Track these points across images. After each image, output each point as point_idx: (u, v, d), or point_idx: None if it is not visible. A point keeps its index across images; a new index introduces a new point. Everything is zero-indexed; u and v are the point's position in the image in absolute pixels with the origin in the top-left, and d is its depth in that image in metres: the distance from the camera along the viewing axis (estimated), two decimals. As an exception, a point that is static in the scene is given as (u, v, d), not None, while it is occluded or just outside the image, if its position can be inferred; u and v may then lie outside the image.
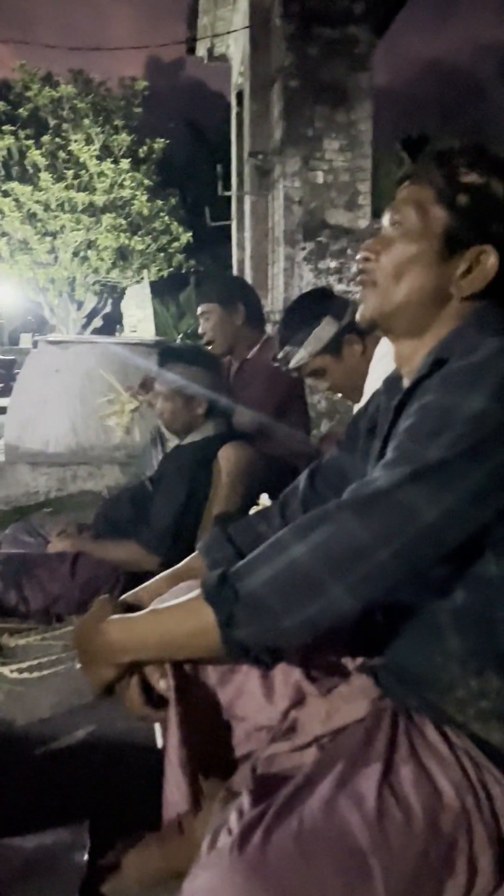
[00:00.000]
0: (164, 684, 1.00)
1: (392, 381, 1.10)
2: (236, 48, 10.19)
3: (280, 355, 2.10)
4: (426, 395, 0.87)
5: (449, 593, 0.89)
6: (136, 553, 2.33)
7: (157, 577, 1.23)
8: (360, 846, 0.77)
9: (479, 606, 0.88)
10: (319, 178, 8.06)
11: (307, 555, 0.84)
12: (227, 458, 2.39)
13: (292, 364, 2.08)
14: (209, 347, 2.93)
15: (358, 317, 1.05)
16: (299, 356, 2.05)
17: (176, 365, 2.41)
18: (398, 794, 0.82)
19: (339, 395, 2.16)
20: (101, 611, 1.05)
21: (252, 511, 2.31)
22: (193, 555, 1.25)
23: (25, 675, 2.05)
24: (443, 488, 0.81)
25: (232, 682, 1.08)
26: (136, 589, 1.21)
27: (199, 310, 2.99)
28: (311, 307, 2.08)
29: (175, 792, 1.00)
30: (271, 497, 2.36)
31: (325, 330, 2.02)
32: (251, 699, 1.07)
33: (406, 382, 1.02)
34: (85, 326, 14.79)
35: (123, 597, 1.19)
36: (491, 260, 0.94)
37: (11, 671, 2.06)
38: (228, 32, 10.00)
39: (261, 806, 0.80)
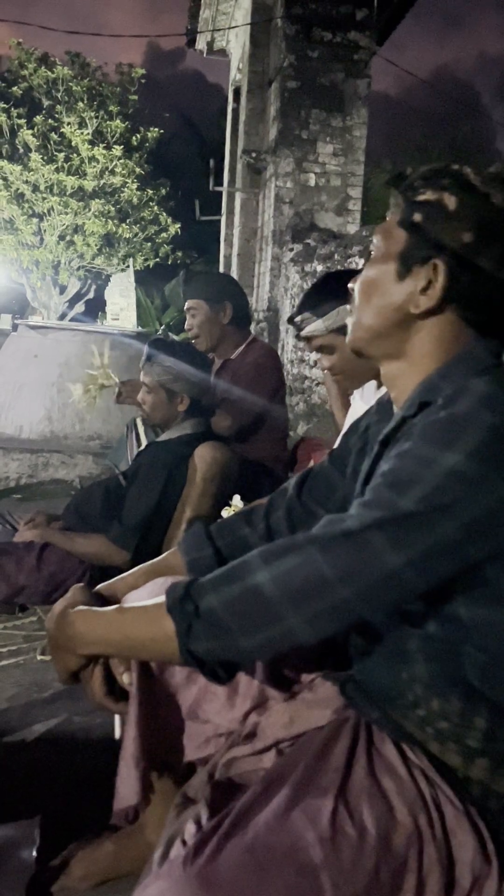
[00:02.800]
0: (126, 678, 1.03)
1: (383, 404, 1.11)
2: (236, 44, 10.16)
3: (297, 319, 2.06)
4: (407, 441, 0.88)
5: (420, 624, 0.91)
6: (105, 548, 2.30)
7: (135, 569, 1.23)
8: (313, 862, 0.77)
9: (449, 639, 0.89)
10: (311, 180, 8.07)
11: (270, 582, 0.86)
12: (203, 458, 2.38)
13: (305, 332, 2.04)
14: (194, 343, 2.93)
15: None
16: (315, 327, 2.00)
17: (166, 358, 2.40)
18: (352, 811, 0.83)
19: (335, 377, 2.13)
20: (74, 598, 1.07)
21: (224, 512, 2.31)
22: (172, 550, 1.25)
23: (-15, 664, 2.03)
24: (410, 538, 0.82)
25: (196, 683, 1.08)
26: (113, 580, 1.21)
27: (186, 305, 2.98)
28: (345, 284, 2.06)
29: (126, 785, 1.01)
30: (244, 499, 2.36)
31: (348, 311, 2.00)
32: (214, 700, 1.07)
33: (395, 408, 1.03)
34: (67, 311, 14.67)
35: (99, 587, 1.19)
36: (441, 272, 0.94)
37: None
38: (229, 28, 9.97)
39: (216, 817, 0.80)
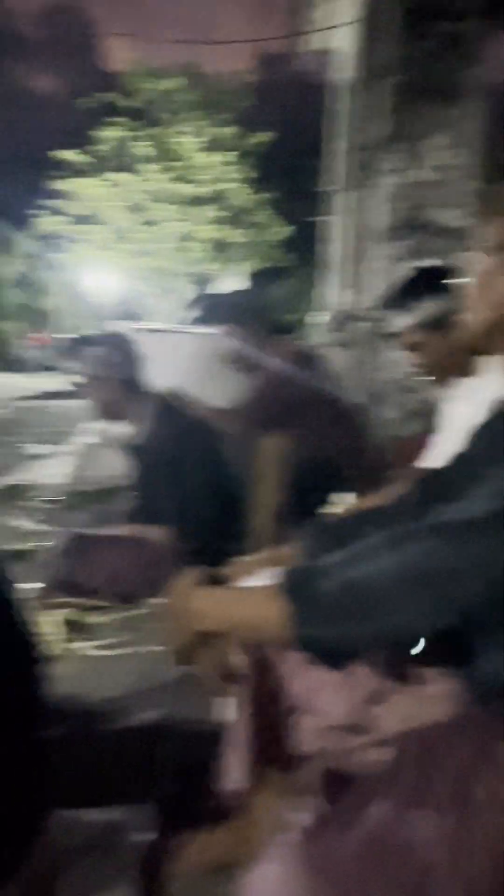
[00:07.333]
0: (238, 660, 1.01)
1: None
2: (345, 41, 10.09)
3: (382, 317, 2.04)
4: None
5: None
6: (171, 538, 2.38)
7: (251, 557, 1.24)
8: (429, 862, 0.73)
9: None
10: (422, 175, 7.88)
11: (393, 569, 0.83)
12: (265, 448, 2.44)
13: (391, 330, 2.01)
14: (235, 369, 2.98)
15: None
16: (401, 324, 1.98)
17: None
18: (473, 813, 0.78)
19: (428, 376, 2.07)
20: (193, 577, 1.08)
21: (338, 508, 2.29)
22: (289, 544, 1.25)
23: (100, 652, 2.09)
24: None
25: (310, 672, 1.06)
26: (229, 566, 1.23)
27: (218, 332, 3.02)
28: (430, 280, 1.99)
29: (234, 768, 1.00)
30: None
31: (435, 306, 1.93)
32: (327, 691, 1.05)
33: None
34: (181, 316, 15.02)
35: (216, 570, 1.20)
36: None
37: (89, 648, 2.11)
38: (338, 26, 9.92)
39: (331, 805, 0.78)
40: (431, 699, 0.95)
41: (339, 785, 0.85)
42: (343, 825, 0.75)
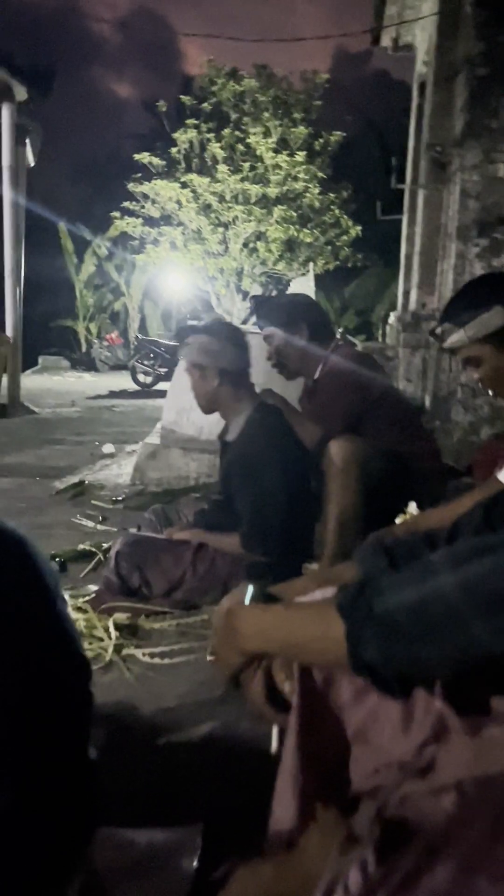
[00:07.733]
0: (288, 686, 0.97)
1: None
2: (422, 37, 9.89)
3: (438, 330, 1.93)
4: None
5: None
6: (238, 547, 2.37)
7: (307, 575, 1.20)
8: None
9: None
10: (500, 171, 7.64)
11: (457, 587, 0.76)
12: (338, 452, 2.37)
13: (446, 344, 1.90)
14: (278, 371, 2.89)
15: None
16: (457, 338, 1.87)
17: (191, 337, 2.53)
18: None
19: (490, 391, 1.96)
20: (243, 595, 1.06)
21: (398, 520, 2.20)
22: (346, 563, 1.20)
23: (157, 660, 2.06)
24: None
25: (366, 703, 0.99)
26: (284, 583, 1.19)
27: (262, 334, 2.92)
28: (487, 290, 1.89)
29: (283, 805, 0.94)
30: (420, 507, 2.24)
31: (494, 318, 1.82)
32: (386, 725, 0.97)
33: None
34: (249, 316, 15.03)
35: (271, 588, 1.16)
36: None
37: (144, 654, 2.08)
38: (416, 20, 9.73)
39: (386, 865, 0.71)
40: (501, 742, 0.87)
41: (394, 838, 0.77)
42: (397, 890, 0.68)
